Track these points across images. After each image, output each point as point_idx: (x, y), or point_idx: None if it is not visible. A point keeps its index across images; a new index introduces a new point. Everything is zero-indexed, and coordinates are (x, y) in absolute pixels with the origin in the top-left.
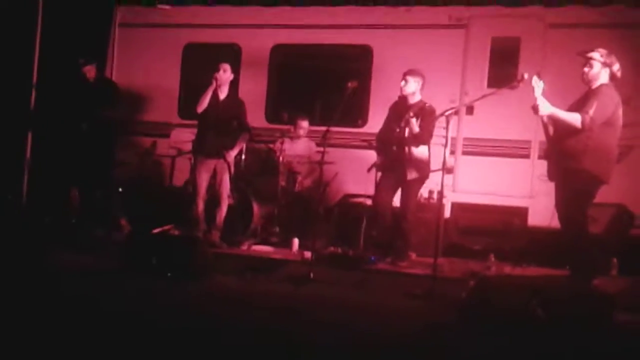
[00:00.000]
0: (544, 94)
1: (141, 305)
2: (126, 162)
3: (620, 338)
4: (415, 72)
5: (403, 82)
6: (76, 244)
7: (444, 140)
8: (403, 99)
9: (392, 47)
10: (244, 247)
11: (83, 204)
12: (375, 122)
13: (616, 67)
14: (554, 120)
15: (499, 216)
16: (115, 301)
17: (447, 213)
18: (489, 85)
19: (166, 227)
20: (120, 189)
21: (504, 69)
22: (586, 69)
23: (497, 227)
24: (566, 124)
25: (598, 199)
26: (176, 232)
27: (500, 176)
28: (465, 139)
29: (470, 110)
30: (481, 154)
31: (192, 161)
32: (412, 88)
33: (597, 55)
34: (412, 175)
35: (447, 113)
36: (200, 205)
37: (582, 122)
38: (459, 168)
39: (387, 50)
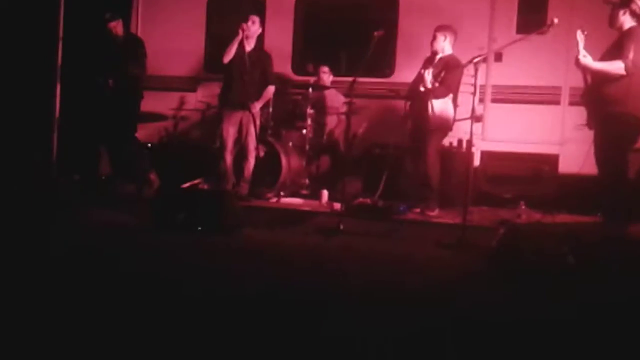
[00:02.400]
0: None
1: (171, 260)
2: (154, 118)
3: None
4: (443, 28)
5: (433, 39)
6: (106, 200)
7: (472, 89)
8: (434, 53)
9: None
10: (273, 199)
11: (112, 160)
12: (402, 72)
13: (636, 4)
14: (597, 71)
15: (529, 164)
16: (145, 257)
17: (476, 162)
18: (518, 31)
19: (195, 181)
20: (149, 145)
21: (532, 15)
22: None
23: (527, 175)
24: (610, 74)
25: None
26: (205, 186)
27: (529, 123)
28: (494, 86)
29: (498, 57)
30: (510, 101)
31: (218, 115)
32: (441, 44)
33: None
34: (433, 125)
35: (475, 60)
36: (228, 159)
37: (626, 69)
38: (488, 116)
39: None
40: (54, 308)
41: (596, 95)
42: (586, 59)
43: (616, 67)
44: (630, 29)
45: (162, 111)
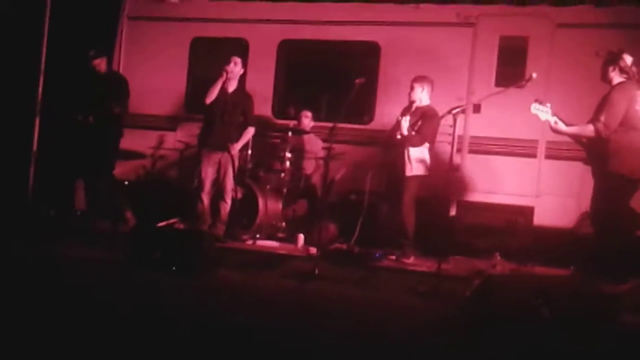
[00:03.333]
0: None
1: (145, 299)
2: (132, 156)
3: (625, 339)
4: (420, 79)
5: (411, 90)
6: (81, 236)
7: (450, 139)
8: (411, 103)
9: (400, 45)
10: (249, 241)
11: (88, 196)
12: (381, 119)
13: (624, 62)
14: (571, 135)
15: (504, 215)
16: (119, 294)
17: (452, 211)
18: (497, 84)
19: (171, 221)
20: (126, 182)
21: (511, 68)
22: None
23: (503, 226)
24: (585, 137)
25: None
26: (181, 226)
27: (506, 175)
28: (472, 137)
29: (477, 108)
30: (488, 152)
31: (197, 155)
32: (418, 94)
33: (601, 53)
34: (409, 172)
35: (454, 111)
36: (205, 200)
37: (597, 131)
38: (466, 166)
39: (394, 48)
40: (26, 342)
41: (589, 155)
42: (558, 125)
43: (587, 130)
44: (610, 91)
45: (141, 149)
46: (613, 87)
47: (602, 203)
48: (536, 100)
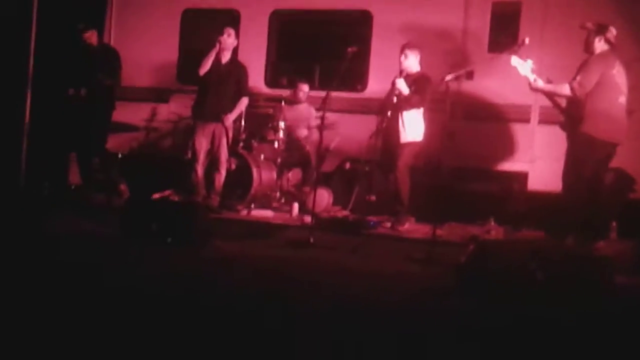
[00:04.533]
0: (537, 67)
1: (140, 271)
2: (125, 128)
3: (618, 300)
4: (410, 46)
5: (403, 57)
6: (75, 209)
7: (444, 106)
8: (401, 71)
9: (392, 13)
10: (244, 212)
11: (82, 170)
12: (374, 87)
13: (611, 33)
14: (547, 93)
15: (499, 181)
16: (114, 267)
17: (447, 178)
18: (490, 50)
19: (165, 193)
20: (119, 155)
21: (504, 34)
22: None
23: (497, 192)
24: (561, 95)
25: None
26: (175, 198)
27: (500, 141)
28: (465, 104)
29: (470, 75)
30: (481, 118)
31: (191, 126)
32: (411, 61)
33: (589, 25)
34: (404, 138)
35: (447, 78)
36: (199, 171)
37: (572, 89)
38: (460, 133)
39: (386, 16)
40: (25, 317)
41: (566, 118)
42: (537, 82)
43: (563, 88)
44: (589, 57)
45: (134, 122)
46: (593, 56)
47: (573, 164)
48: (514, 52)
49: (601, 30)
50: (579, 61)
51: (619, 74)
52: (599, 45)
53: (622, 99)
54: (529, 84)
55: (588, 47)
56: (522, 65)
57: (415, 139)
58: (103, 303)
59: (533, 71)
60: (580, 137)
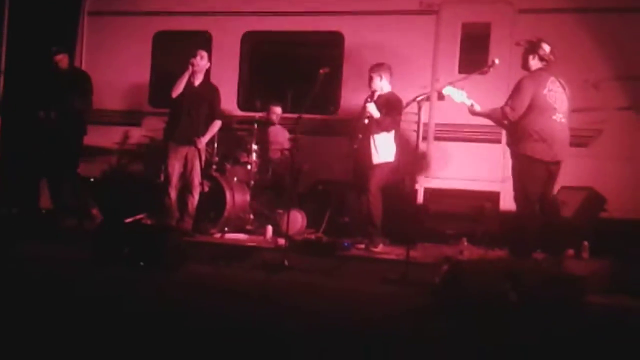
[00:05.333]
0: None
1: (113, 296)
2: (97, 152)
3: (591, 320)
4: (376, 68)
5: (374, 78)
6: (46, 234)
7: (415, 127)
8: (373, 92)
9: (363, 34)
10: (217, 235)
11: (53, 195)
12: (347, 109)
13: (543, 50)
14: (487, 117)
15: (471, 201)
16: (87, 292)
17: (419, 199)
18: (460, 71)
19: (138, 217)
20: (91, 179)
21: (474, 55)
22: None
23: (470, 212)
24: (496, 119)
25: (569, 182)
26: (148, 221)
27: (472, 161)
28: (437, 124)
29: (441, 96)
30: (453, 139)
31: (163, 149)
32: (378, 83)
33: (522, 42)
34: (376, 160)
35: (418, 99)
36: (172, 194)
37: (504, 114)
38: (431, 154)
39: (358, 37)
40: None
41: (508, 137)
42: (474, 107)
43: (497, 113)
44: (520, 80)
45: (106, 145)
46: (523, 77)
47: (520, 185)
48: (449, 83)
49: (533, 47)
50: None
51: (551, 93)
52: (533, 63)
53: (558, 116)
54: (468, 109)
55: (524, 65)
56: (456, 94)
57: (387, 160)
58: (74, 327)
59: (468, 97)
60: (519, 159)
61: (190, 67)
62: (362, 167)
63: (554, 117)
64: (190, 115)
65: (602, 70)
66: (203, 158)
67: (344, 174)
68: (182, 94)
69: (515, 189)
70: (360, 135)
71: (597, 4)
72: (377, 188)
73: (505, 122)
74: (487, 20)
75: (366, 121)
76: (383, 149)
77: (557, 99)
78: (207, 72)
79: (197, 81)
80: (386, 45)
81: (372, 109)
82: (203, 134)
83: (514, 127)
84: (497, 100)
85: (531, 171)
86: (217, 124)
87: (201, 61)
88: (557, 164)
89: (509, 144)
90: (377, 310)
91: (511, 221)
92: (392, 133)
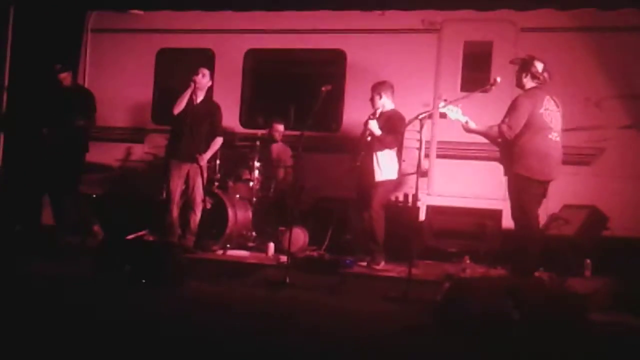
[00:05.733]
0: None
1: (115, 312)
2: (100, 169)
3: (593, 338)
4: (378, 87)
5: (376, 96)
6: (48, 251)
7: (418, 144)
8: (375, 110)
9: (365, 52)
10: (219, 252)
11: (55, 212)
12: (349, 127)
13: (535, 68)
14: (481, 134)
15: (473, 219)
16: (89, 308)
17: (422, 216)
18: (462, 89)
19: (140, 233)
20: (94, 195)
21: (476, 73)
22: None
23: (472, 230)
24: (492, 137)
25: (571, 200)
26: (150, 238)
27: (474, 179)
28: (439, 142)
29: (443, 114)
30: (455, 157)
31: (165, 166)
32: (378, 102)
33: (515, 61)
34: (379, 177)
35: (420, 117)
36: (174, 211)
37: (501, 132)
38: (433, 171)
39: (360, 55)
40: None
41: (501, 156)
42: (469, 124)
43: (493, 131)
44: (515, 98)
45: (109, 162)
46: (519, 95)
47: (514, 203)
48: (445, 100)
49: (525, 66)
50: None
51: (547, 112)
52: (527, 81)
53: (553, 135)
54: (462, 125)
55: (518, 83)
56: (452, 111)
57: (390, 178)
58: (79, 345)
59: (464, 114)
60: (515, 178)
61: (192, 85)
62: (364, 184)
63: (549, 136)
64: (192, 133)
65: (605, 88)
66: (205, 175)
67: (346, 191)
68: (183, 112)
69: (512, 207)
70: (363, 153)
71: (600, 23)
72: (379, 205)
73: (500, 140)
74: (489, 39)
75: (369, 139)
76: (386, 166)
77: (552, 118)
78: (209, 90)
79: (199, 99)
80: (388, 63)
81: (374, 127)
82: (204, 151)
83: (509, 145)
84: (499, 118)
85: (528, 190)
86: (219, 141)
87: (203, 79)
88: (548, 182)
89: (503, 163)
90: (378, 328)
91: (513, 239)
92: (395, 150)
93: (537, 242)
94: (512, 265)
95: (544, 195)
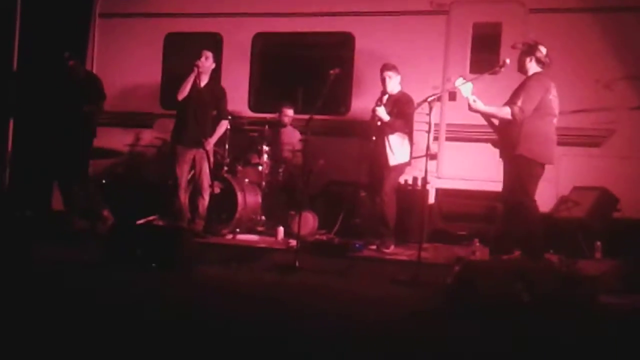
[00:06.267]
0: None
1: (126, 297)
2: (109, 154)
3: (604, 320)
4: (390, 67)
5: (385, 78)
6: (59, 236)
7: (427, 127)
8: (383, 93)
9: (373, 34)
10: (229, 236)
11: (64, 196)
12: (358, 110)
13: (540, 52)
14: (487, 114)
15: (482, 201)
16: (99, 293)
17: (431, 199)
18: (471, 71)
19: (150, 218)
20: (103, 181)
21: (485, 55)
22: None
23: (481, 212)
24: (499, 117)
25: (581, 182)
26: (160, 223)
27: (483, 161)
28: (448, 124)
29: (452, 96)
30: (464, 139)
31: (171, 152)
32: (393, 83)
33: (518, 45)
34: (393, 161)
35: (429, 99)
36: (182, 196)
37: (512, 114)
38: (443, 154)
39: (369, 38)
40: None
41: (500, 138)
42: (476, 104)
43: (504, 112)
44: (528, 79)
45: (118, 147)
46: (531, 76)
47: (512, 184)
48: (461, 76)
49: (530, 50)
50: (559, 80)
51: (554, 99)
52: (531, 66)
53: (555, 120)
54: (468, 104)
55: (521, 67)
56: (465, 87)
57: (403, 161)
58: (92, 329)
59: (472, 93)
60: (517, 160)
61: (196, 69)
62: (377, 168)
63: (553, 121)
64: (197, 118)
65: (614, 69)
66: (211, 159)
67: (355, 175)
68: (188, 97)
69: (510, 189)
70: (374, 137)
71: (609, 3)
72: (391, 189)
73: (504, 121)
74: (498, 20)
75: (379, 123)
76: (398, 150)
77: (556, 105)
78: (218, 74)
79: (203, 82)
80: (397, 45)
81: (382, 113)
82: (210, 135)
83: (514, 128)
84: (505, 100)
85: (530, 171)
86: (224, 125)
87: (206, 62)
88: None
89: (498, 146)
90: (388, 311)
91: (515, 223)
92: (407, 133)
93: (539, 223)
94: (523, 248)
95: (539, 177)
